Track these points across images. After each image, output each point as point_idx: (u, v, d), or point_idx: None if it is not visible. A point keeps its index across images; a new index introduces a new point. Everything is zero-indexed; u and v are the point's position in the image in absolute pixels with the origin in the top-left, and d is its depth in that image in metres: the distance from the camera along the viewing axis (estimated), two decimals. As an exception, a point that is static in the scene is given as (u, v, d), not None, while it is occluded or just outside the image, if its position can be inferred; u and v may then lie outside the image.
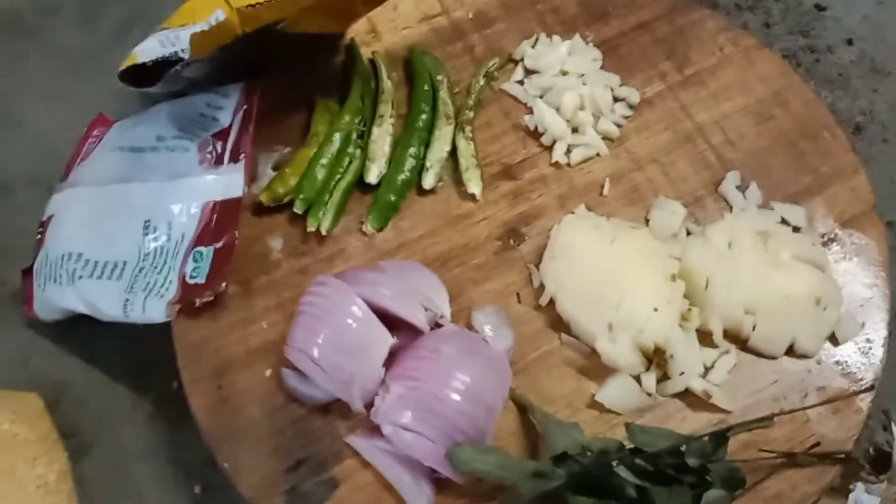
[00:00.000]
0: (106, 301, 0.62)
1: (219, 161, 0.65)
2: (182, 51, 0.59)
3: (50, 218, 0.67)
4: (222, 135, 0.67)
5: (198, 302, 0.60)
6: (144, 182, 0.65)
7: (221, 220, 0.62)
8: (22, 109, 0.79)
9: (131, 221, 0.64)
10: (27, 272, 0.67)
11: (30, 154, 0.76)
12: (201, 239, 0.62)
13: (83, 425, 0.66)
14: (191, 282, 0.60)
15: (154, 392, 0.67)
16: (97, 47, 0.82)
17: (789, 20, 0.81)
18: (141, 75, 0.63)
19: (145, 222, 0.63)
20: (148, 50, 0.61)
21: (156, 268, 0.62)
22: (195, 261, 0.61)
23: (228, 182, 0.63)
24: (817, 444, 0.52)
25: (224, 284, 0.61)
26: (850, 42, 0.80)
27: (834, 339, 0.57)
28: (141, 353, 0.67)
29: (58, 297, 0.64)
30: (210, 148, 0.66)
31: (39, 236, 0.67)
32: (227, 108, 0.68)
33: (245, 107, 0.68)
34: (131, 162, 0.68)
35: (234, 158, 0.65)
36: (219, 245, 0.61)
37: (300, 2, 0.59)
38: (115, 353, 0.68)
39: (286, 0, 0.58)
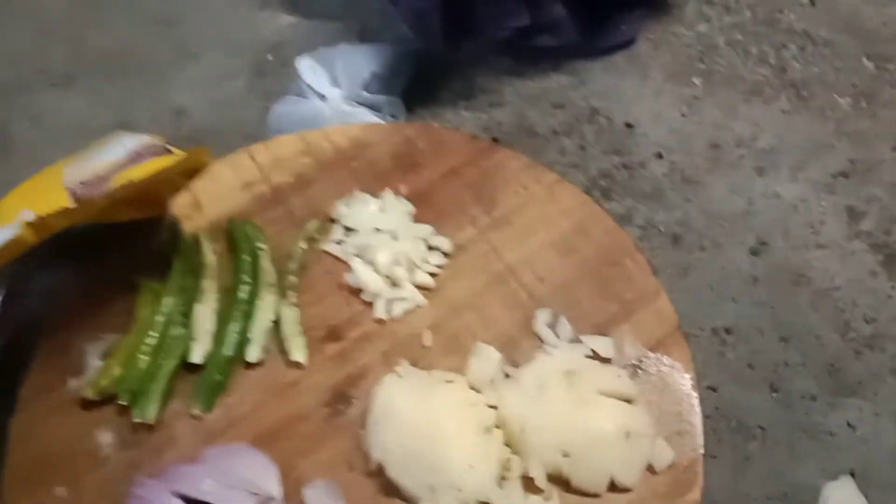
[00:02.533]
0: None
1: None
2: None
3: None
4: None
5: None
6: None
7: None
8: None
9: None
10: None
11: None
12: None
13: None
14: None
15: None
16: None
17: (603, 141, 0.85)
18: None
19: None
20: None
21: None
22: None
23: None
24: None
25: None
26: (660, 156, 0.84)
27: (651, 469, 0.57)
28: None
29: None
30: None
31: None
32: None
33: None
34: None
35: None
36: None
37: (90, 210, 0.59)
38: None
39: (76, 210, 0.57)
